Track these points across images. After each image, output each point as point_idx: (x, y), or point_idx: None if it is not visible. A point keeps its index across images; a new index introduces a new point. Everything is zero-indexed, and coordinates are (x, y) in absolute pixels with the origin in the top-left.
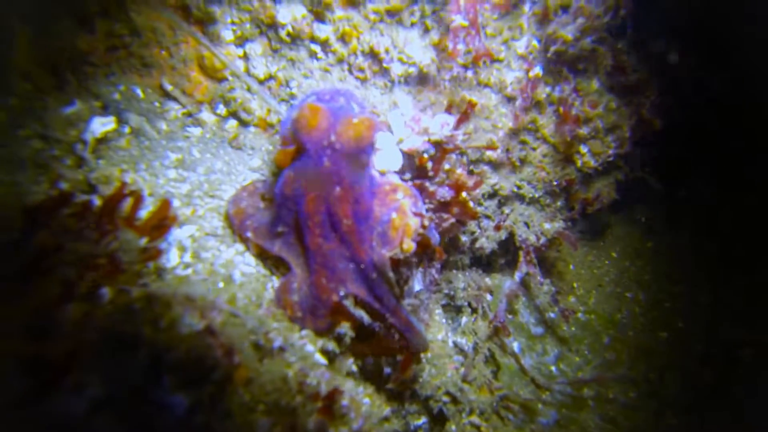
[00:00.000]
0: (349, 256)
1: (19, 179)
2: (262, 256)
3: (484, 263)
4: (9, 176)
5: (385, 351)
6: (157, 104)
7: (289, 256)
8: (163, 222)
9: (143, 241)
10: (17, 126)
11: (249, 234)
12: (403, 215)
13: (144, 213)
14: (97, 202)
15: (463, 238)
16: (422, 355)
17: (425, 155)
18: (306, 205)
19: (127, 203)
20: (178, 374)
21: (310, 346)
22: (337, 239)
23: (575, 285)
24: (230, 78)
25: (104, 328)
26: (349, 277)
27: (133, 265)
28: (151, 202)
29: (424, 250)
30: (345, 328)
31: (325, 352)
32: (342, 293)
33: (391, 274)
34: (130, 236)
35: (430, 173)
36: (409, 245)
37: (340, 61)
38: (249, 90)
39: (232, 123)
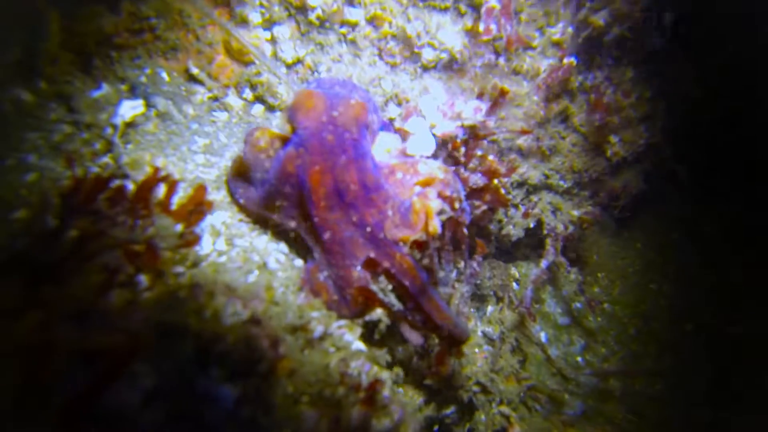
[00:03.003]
0: (356, 221)
1: (51, 164)
2: (296, 241)
3: (510, 252)
4: (42, 161)
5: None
6: (183, 88)
7: (297, 230)
8: (199, 207)
9: (179, 228)
10: (47, 110)
11: (241, 201)
12: (424, 199)
13: (175, 199)
14: (131, 187)
15: (491, 227)
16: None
17: (458, 140)
18: (310, 177)
19: (161, 188)
20: (226, 365)
21: (348, 335)
22: (342, 209)
23: (599, 275)
24: (257, 62)
25: (149, 317)
26: (358, 242)
27: (170, 251)
28: (182, 187)
29: (456, 234)
30: (379, 314)
31: (362, 340)
32: (359, 267)
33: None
34: (166, 222)
35: (462, 159)
36: (434, 227)
37: (371, 45)
38: (276, 74)
39: (259, 108)
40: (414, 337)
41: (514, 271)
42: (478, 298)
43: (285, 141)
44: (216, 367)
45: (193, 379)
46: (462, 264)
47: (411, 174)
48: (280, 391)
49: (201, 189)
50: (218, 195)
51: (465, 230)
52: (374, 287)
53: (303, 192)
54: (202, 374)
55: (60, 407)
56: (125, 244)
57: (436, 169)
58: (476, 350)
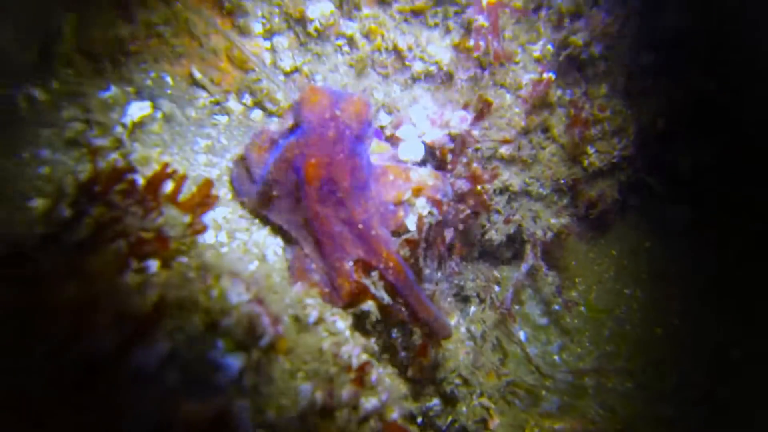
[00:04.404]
0: (345, 217)
1: (63, 159)
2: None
3: (492, 256)
4: (55, 155)
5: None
6: (186, 92)
7: (288, 225)
8: (206, 200)
9: (187, 218)
10: (60, 108)
11: (245, 198)
12: (405, 214)
13: (182, 194)
14: (141, 181)
15: (474, 231)
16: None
17: (445, 147)
18: (306, 168)
19: (169, 183)
20: (231, 339)
21: (341, 323)
22: (332, 204)
23: (577, 280)
24: (257, 69)
25: (165, 292)
26: (347, 238)
27: (178, 239)
28: (186, 185)
29: (439, 238)
30: (370, 306)
31: (353, 329)
32: (351, 263)
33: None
34: (174, 213)
35: (449, 166)
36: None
37: (365, 57)
38: (274, 82)
39: (258, 113)
40: (384, 296)
41: (496, 274)
42: (462, 298)
43: (286, 135)
44: (222, 339)
45: (202, 349)
46: (443, 263)
47: (403, 179)
48: (279, 366)
49: (208, 183)
50: (220, 192)
51: (445, 232)
52: (366, 281)
53: (298, 181)
54: (211, 345)
55: (100, 358)
56: (138, 231)
57: (427, 176)
58: (458, 345)
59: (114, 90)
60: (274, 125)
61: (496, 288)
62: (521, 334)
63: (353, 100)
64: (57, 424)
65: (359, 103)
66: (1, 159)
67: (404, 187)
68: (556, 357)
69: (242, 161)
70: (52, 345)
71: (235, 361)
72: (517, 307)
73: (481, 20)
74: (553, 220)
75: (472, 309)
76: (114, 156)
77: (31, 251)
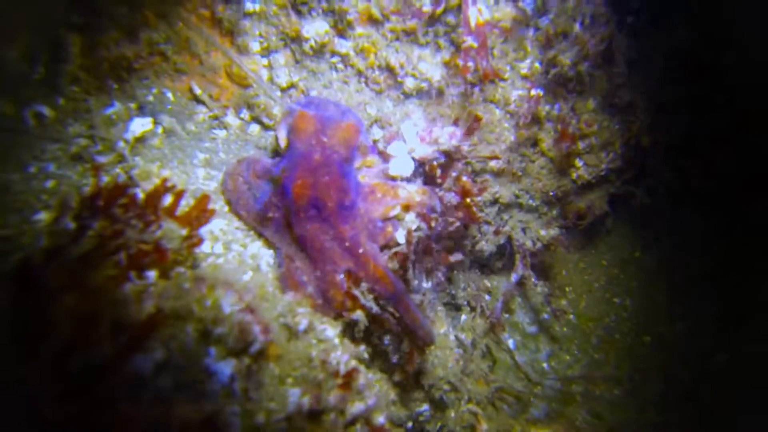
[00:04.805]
0: (332, 234)
1: (68, 173)
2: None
3: (483, 266)
4: (61, 170)
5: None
6: (186, 107)
7: (281, 243)
8: (203, 214)
9: (184, 231)
10: (66, 124)
11: (242, 212)
12: (395, 228)
13: (180, 207)
14: (141, 195)
15: (465, 242)
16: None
17: (435, 163)
18: (294, 189)
19: (168, 197)
20: (223, 346)
21: (330, 330)
22: (319, 222)
23: (567, 289)
24: (255, 85)
25: (161, 302)
26: (336, 252)
27: (175, 251)
28: (184, 197)
29: (427, 249)
30: (359, 315)
31: (343, 336)
32: (342, 275)
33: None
34: (172, 226)
35: (438, 180)
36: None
37: (358, 73)
38: (271, 97)
39: (255, 127)
40: (373, 306)
41: (487, 283)
42: (454, 307)
43: (278, 163)
44: (215, 347)
45: (195, 356)
46: (432, 274)
47: (391, 196)
48: (269, 372)
49: (204, 198)
50: (217, 205)
51: (435, 244)
52: (356, 291)
53: (288, 201)
54: (204, 352)
55: (98, 365)
56: (137, 243)
57: (414, 192)
58: (447, 353)
59: (118, 106)
60: (270, 140)
61: (487, 297)
62: (510, 342)
63: (342, 126)
64: (56, 427)
65: (348, 129)
66: (10, 173)
67: (392, 204)
68: (544, 364)
69: (237, 177)
70: (53, 352)
71: (227, 368)
72: (506, 315)
73: (470, 41)
74: (542, 231)
75: (463, 317)
76: (116, 171)
77: (37, 264)
